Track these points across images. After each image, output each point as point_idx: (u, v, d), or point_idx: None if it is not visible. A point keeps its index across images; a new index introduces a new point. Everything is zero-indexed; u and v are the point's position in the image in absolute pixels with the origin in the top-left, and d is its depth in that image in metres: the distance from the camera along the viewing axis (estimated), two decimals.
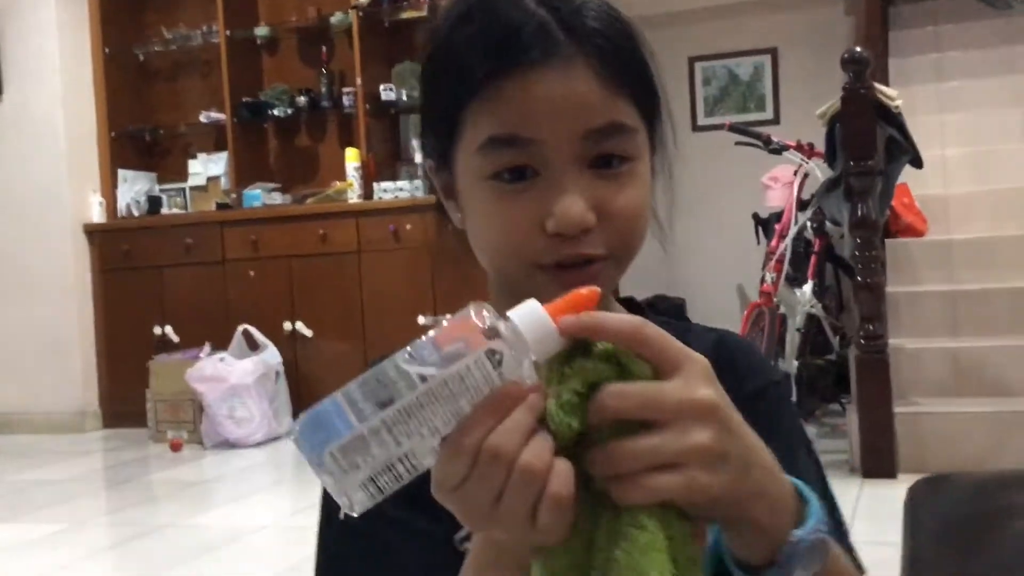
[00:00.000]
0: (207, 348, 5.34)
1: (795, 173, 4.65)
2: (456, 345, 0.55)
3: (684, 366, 0.59)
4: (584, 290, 0.60)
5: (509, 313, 0.57)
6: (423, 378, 0.54)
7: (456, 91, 0.76)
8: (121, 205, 5.91)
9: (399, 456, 0.55)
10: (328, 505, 0.87)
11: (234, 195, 5.73)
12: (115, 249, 5.79)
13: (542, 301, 0.63)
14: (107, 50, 5.93)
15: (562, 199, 0.73)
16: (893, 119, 3.89)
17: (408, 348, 0.55)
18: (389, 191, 5.42)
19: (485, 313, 0.56)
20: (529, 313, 0.57)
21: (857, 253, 3.83)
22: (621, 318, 0.59)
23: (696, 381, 0.59)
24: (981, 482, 1.41)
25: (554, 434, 0.57)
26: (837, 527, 0.83)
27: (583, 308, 0.59)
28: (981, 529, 1.19)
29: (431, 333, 0.56)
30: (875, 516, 3.19)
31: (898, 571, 1.19)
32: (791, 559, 0.61)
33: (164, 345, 5.63)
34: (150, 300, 5.71)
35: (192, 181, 5.95)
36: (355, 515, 0.57)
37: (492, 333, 0.55)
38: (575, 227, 0.74)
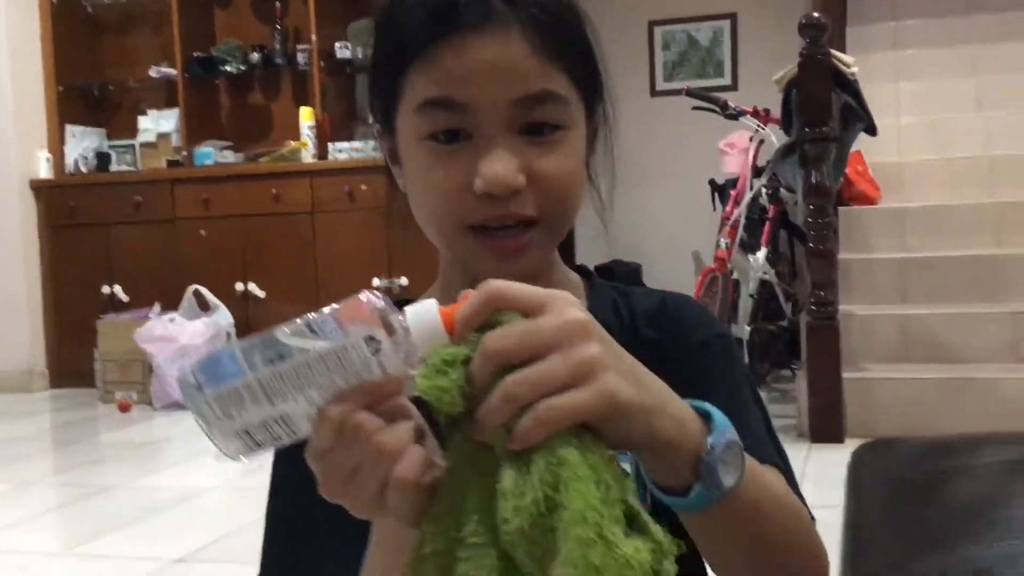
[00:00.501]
0: (157, 308, 5.26)
1: (751, 139, 4.65)
2: (341, 325, 0.57)
3: (549, 301, 0.58)
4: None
5: (406, 308, 0.59)
6: (303, 350, 0.56)
7: (398, 55, 0.79)
8: (69, 161, 5.78)
9: (274, 417, 0.58)
10: (276, 474, 0.87)
11: (185, 153, 5.64)
12: (63, 206, 5.67)
13: (474, 267, 0.73)
14: (54, 0, 5.77)
15: (491, 160, 0.76)
16: (849, 86, 3.90)
17: (299, 319, 0.57)
18: (344, 151, 5.36)
19: (375, 301, 0.57)
20: (422, 311, 0.59)
21: (810, 220, 3.85)
22: (479, 294, 0.58)
23: (565, 308, 0.58)
24: (924, 446, 1.42)
25: (433, 410, 0.57)
26: (788, 476, 0.84)
27: None
28: (923, 492, 1.20)
29: (324, 310, 0.57)
30: (822, 480, 3.22)
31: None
32: (712, 469, 0.61)
33: (113, 304, 5.55)
34: (98, 258, 5.60)
35: (142, 138, 5.83)
36: (234, 459, 0.60)
37: (377, 321, 0.57)
38: (502, 187, 0.76)
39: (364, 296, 0.57)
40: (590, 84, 0.82)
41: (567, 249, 0.95)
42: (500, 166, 0.75)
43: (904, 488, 1.24)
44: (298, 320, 0.57)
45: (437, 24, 0.76)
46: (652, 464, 0.62)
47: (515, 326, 0.57)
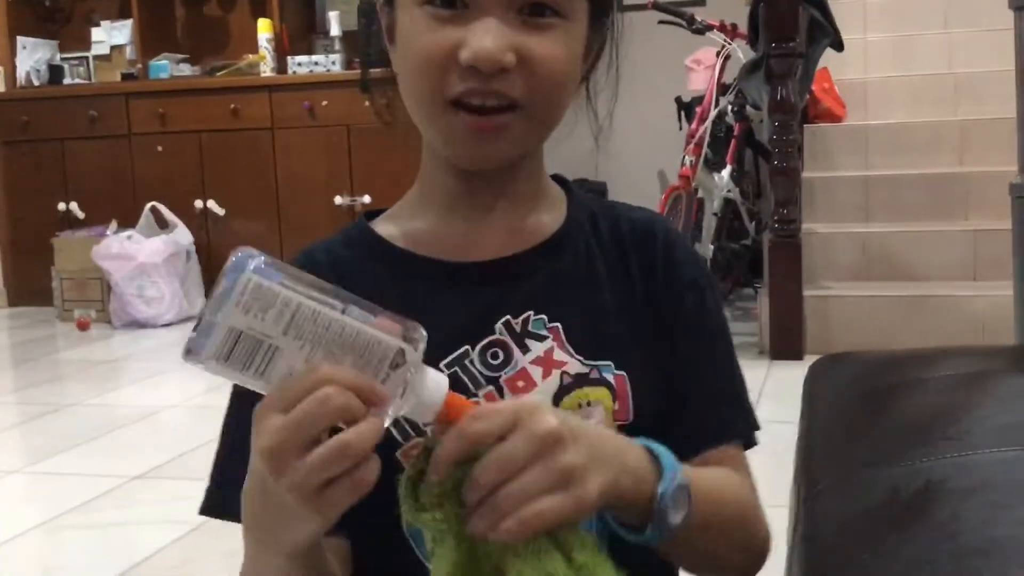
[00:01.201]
0: (114, 225, 5.17)
1: (718, 55, 4.59)
2: (388, 324, 0.60)
3: (519, 417, 0.62)
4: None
5: (429, 369, 0.62)
6: (344, 311, 0.59)
7: None
8: (20, 74, 5.62)
9: (272, 344, 0.57)
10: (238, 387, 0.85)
11: (140, 66, 5.48)
12: (15, 121, 5.52)
13: (452, 148, 0.78)
14: None
15: (482, 33, 0.73)
16: (816, 1, 3.84)
17: (352, 297, 0.60)
18: (304, 65, 5.24)
19: (421, 332, 0.61)
20: (439, 382, 0.62)
21: (775, 137, 3.82)
22: (451, 439, 0.61)
23: (536, 420, 0.62)
24: (880, 360, 1.42)
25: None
26: (746, 414, 0.91)
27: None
28: (877, 405, 1.20)
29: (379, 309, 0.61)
30: (780, 396, 3.26)
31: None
32: (662, 512, 0.69)
33: (69, 222, 5.44)
34: (53, 175, 5.48)
35: (95, 50, 5.67)
36: (191, 352, 0.58)
37: (408, 346, 0.60)
38: (489, 61, 0.73)
39: (413, 325, 0.61)
40: None
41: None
42: (489, 39, 0.73)
43: (859, 401, 1.24)
44: (352, 297, 0.60)
45: None
46: (612, 510, 0.70)
47: (491, 459, 0.61)
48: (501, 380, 0.80)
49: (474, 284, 0.83)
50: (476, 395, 0.80)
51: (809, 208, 4.15)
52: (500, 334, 0.81)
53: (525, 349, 0.81)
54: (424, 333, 0.61)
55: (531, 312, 0.82)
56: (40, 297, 5.38)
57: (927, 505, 0.84)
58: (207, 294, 4.90)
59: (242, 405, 0.83)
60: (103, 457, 3.04)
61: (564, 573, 0.62)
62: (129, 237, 5.00)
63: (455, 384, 0.79)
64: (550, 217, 0.88)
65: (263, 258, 0.59)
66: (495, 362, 0.81)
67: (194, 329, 0.58)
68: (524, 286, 0.83)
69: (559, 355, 0.81)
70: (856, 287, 3.93)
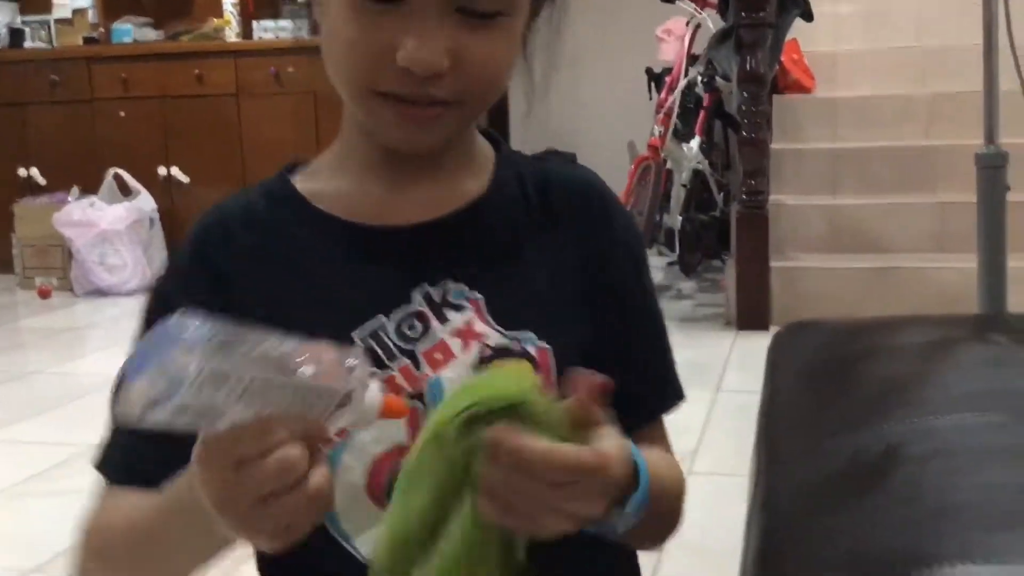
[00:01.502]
0: (75, 192, 5.09)
1: (688, 24, 4.57)
2: (333, 371, 0.60)
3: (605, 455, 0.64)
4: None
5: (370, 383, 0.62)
6: (296, 373, 0.58)
7: None
8: None
9: (221, 409, 0.55)
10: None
11: (102, 30, 5.38)
12: None
13: (380, 132, 0.77)
14: None
15: (419, 36, 0.69)
16: None
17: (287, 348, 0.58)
18: (270, 30, 5.17)
19: (360, 361, 0.61)
20: (372, 400, 0.63)
21: (744, 107, 3.82)
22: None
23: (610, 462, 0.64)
24: (843, 328, 1.42)
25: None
26: (675, 387, 0.90)
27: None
28: (840, 372, 1.19)
29: (307, 358, 0.59)
30: (745, 366, 3.27)
31: None
32: (626, 520, 0.69)
33: (30, 188, 5.35)
34: (13, 140, 5.38)
35: (57, 13, 5.56)
36: (126, 421, 0.54)
37: (353, 384, 0.60)
38: (426, 68, 0.70)
39: (350, 361, 0.60)
40: None
41: (501, 136, 0.90)
42: (427, 49, 0.69)
43: (821, 369, 1.23)
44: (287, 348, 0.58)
45: None
46: None
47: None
48: (418, 352, 0.78)
49: (391, 250, 0.80)
50: (390, 367, 0.77)
51: (777, 180, 4.15)
52: (418, 304, 0.79)
53: (444, 320, 0.78)
54: (360, 356, 0.61)
55: (450, 281, 0.79)
56: (0, 265, 5.29)
57: (886, 470, 0.84)
58: None
59: None
60: (63, 425, 3.01)
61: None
62: (91, 204, 4.93)
63: (367, 356, 0.77)
64: (475, 181, 0.84)
65: (208, 335, 0.55)
66: (411, 333, 0.78)
67: (129, 384, 0.54)
68: (443, 254, 0.81)
69: (479, 326, 0.78)
70: (823, 259, 3.94)
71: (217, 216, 0.84)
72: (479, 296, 0.79)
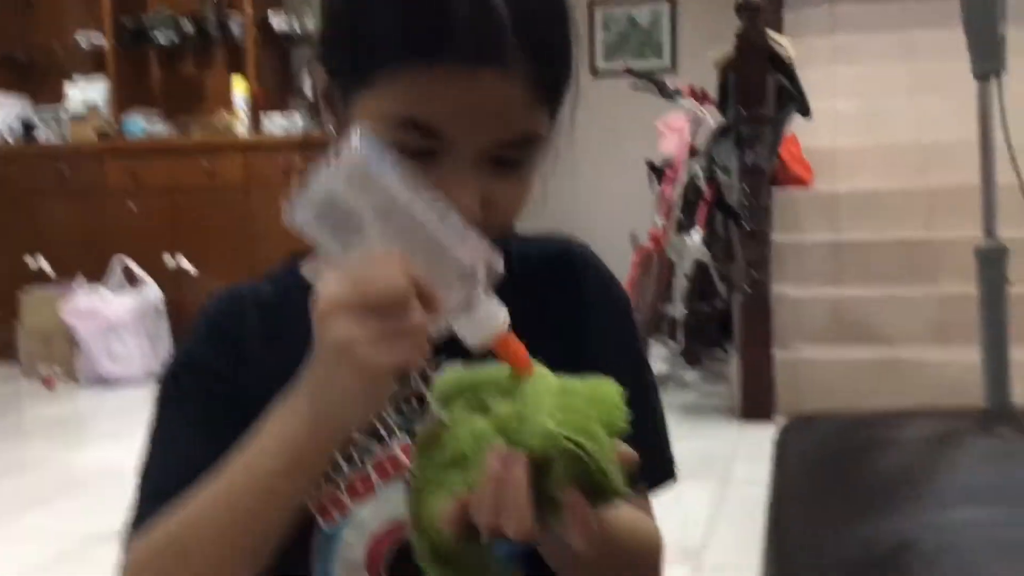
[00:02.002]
0: (83, 281, 5.13)
1: (688, 120, 4.65)
2: (473, 244, 0.64)
3: None
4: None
5: (494, 300, 0.65)
6: (438, 217, 0.63)
7: (384, 42, 0.71)
8: None
9: (361, 222, 0.61)
10: (168, 384, 0.83)
11: (112, 121, 5.47)
12: None
13: None
14: None
15: (456, 191, 0.71)
16: (785, 68, 3.92)
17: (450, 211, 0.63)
18: (279, 126, 5.26)
19: (499, 265, 0.64)
20: (495, 314, 0.65)
21: (745, 200, 3.87)
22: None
23: None
24: (849, 421, 1.42)
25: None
26: (667, 455, 0.87)
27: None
28: (847, 465, 1.20)
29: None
30: (752, 457, 3.25)
31: None
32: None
33: (38, 277, 5.39)
34: (23, 230, 5.43)
35: (70, 107, 5.66)
36: (293, 212, 0.62)
37: (484, 273, 0.63)
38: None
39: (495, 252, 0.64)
40: (564, 99, 0.77)
41: None
42: (464, 204, 0.70)
43: (828, 461, 1.24)
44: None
45: (439, 40, 0.68)
46: None
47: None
48: (417, 428, 0.79)
49: None
50: (389, 444, 0.79)
51: (779, 272, 4.18)
52: (413, 384, 0.80)
53: (417, 366, 0.80)
54: (499, 267, 0.63)
55: (444, 358, 0.80)
56: (4, 353, 5.29)
57: (898, 564, 0.84)
58: None
59: (175, 455, 0.79)
60: (66, 516, 2.99)
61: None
62: (98, 293, 4.95)
63: (367, 429, 0.79)
64: None
65: (383, 148, 0.63)
66: (409, 412, 0.80)
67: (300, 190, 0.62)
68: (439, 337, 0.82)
69: None
70: (826, 350, 3.95)
71: (229, 296, 0.86)
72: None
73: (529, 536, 0.60)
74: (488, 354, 0.65)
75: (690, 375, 4.66)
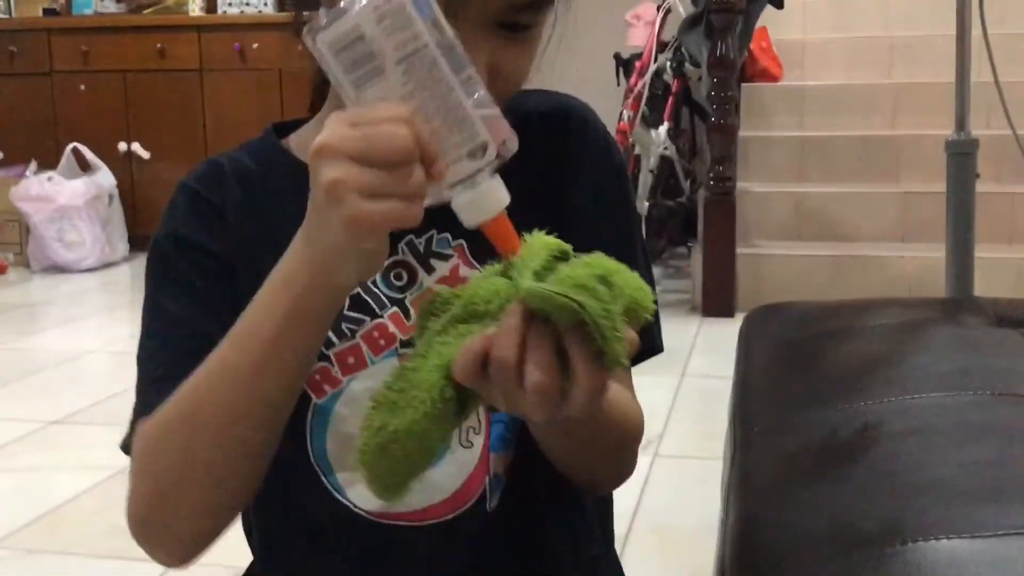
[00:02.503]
0: (33, 166, 5.00)
1: (658, 10, 4.56)
2: (492, 121, 0.60)
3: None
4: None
5: (497, 181, 0.61)
6: (460, 79, 0.58)
7: None
8: None
9: (381, 64, 0.57)
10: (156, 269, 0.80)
11: (62, 0, 5.28)
12: None
13: None
14: None
15: None
16: None
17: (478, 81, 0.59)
18: (234, 5, 5.09)
19: (512, 146, 0.60)
20: (498, 196, 0.61)
21: (713, 93, 3.82)
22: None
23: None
24: (814, 310, 1.42)
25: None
26: (658, 322, 0.87)
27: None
28: (812, 352, 1.19)
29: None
30: (711, 351, 3.28)
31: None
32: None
33: None
34: None
35: None
36: (313, 34, 0.57)
37: (497, 146, 0.60)
38: None
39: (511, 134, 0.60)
40: None
41: None
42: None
43: (793, 349, 1.23)
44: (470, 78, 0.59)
45: None
46: None
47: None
48: (407, 301, 0.78)
49: None
50: (381, 316, 0.77)
51: (744, 167, 4.16)
52: (403, 254, 0.78)
53: (430, 269, 0.78)
54: (513, 149, 0.60)
55: (434, 231, 0.78)
56: None
57: (865, 446, 0.83)
58: (131, 240, 4.72)
59: (170, 333, 0.77)
60: (19, 402, 2.95)
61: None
62: (49, 179, 4.84)
63: (357, 304, 0.77)
64: None
65: None
66: (399, 283, 0.78)
67: (328, 12, 0.57)
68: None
69: (465, 271, 0.78)
70: (788, 246, 3.96)
71: (209, 168, 0.83)
72: (463, 242, 0.78)
73: (550, 391, 0.57)
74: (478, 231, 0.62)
75: (653, 270, 4.67)
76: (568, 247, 0.62)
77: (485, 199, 0.60)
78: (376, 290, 0.78)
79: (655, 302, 0.84)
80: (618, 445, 0.80)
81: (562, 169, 0.82)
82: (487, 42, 0.69)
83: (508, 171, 0.74)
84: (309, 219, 0.61)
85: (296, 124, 0.86)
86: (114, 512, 2.38)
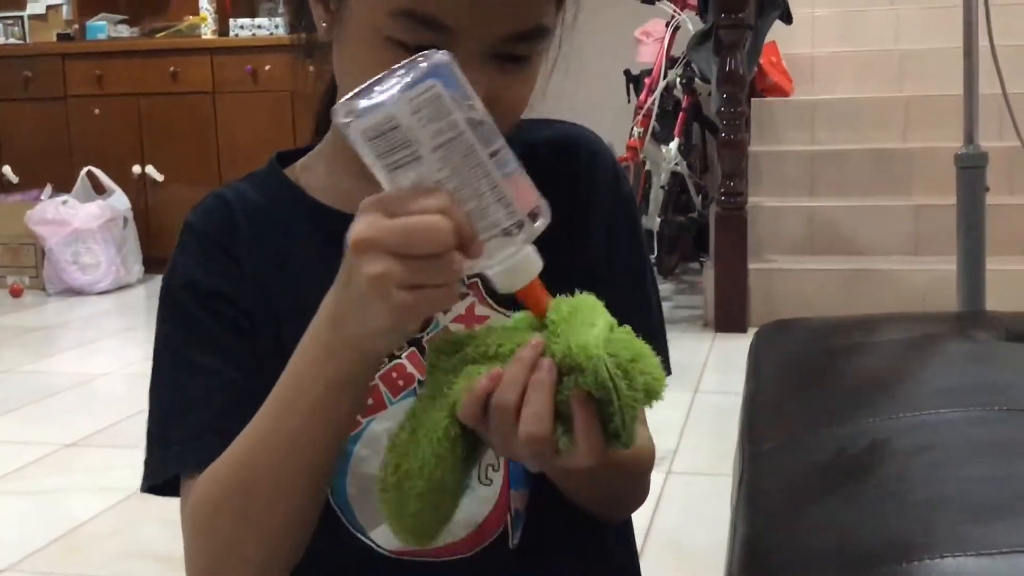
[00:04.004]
0: (48, 190, 5.04)
1: (667, 26, 4.57)
2: (525, 195, 0.60)
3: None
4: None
5: (530, 248, 0.61)
6: (495, 159, 0.59)
7: None
8: None
9: (417, 152, 0.57)
10: (167, 302, 0.80)
11: (76, 26, 5.33)
12: None
13: None
14: None
15: None
16: None
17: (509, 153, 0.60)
18: (247, 28, 5.13)
19: (546, 217, 0.61)
20: (532, 262, 0.62)
21: (723, 109, 3.82)
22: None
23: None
24: (824, 326, 1.41)
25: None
26: (665, 354, 0.83)
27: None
28: (822, 368, 1.19)
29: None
30: (724, 367, 3.27)
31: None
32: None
33: (2, 185, 5.29)
34: None
35: (31, 9, 5.50)
36: (348, 121, 0.57)
37: (531, 221, 0.60)
38: None
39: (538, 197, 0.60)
40: None
41: None
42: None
43: (804, 365, 1.23)
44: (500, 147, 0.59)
45: None
46: None
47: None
48: (424, 340, 0.77)
49: None
50: (399, 356, 0.77)
51: (755, 182, 4.16)
52: None
53: (446, 308, 0.78)
54: (547, 221, 0.60)
55: (466, 290, 0.78)
56: None
57: (872, 464, 0.83)
58: (145, 262, 4.72)
59: (178, 369, 0.77)
60: (36, 425, 2.97)
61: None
62: (64, 202, 4.87)
63: None
64: None
65: (455, 71, 0.58)
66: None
67: (359, 96, 0.57)
68: None
69: (481, 310, 0.78)
70: (800, 260, 3.95)
71: (215, 204, 0.82)
72: (477, 280, 0.78)
73: (542, 444, 0.58)
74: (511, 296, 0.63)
75: (665, 286, 4.67)
76: (614, 321, 0.63)
77: (521, 268, 0.61)
78: None
79: (660, 323, 0.85)
80: (631, 477, 0.81)
81: (574, 202, 0.82)
82: (485, 73, 0.67)
83: None
84: (349, 303, 0.61)
85: (300, 153, 0.86)
86: (129, 535, 2.39)
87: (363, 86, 0.57)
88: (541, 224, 0.60)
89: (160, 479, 0.75)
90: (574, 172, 0.83)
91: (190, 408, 0.76)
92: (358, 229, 0.57)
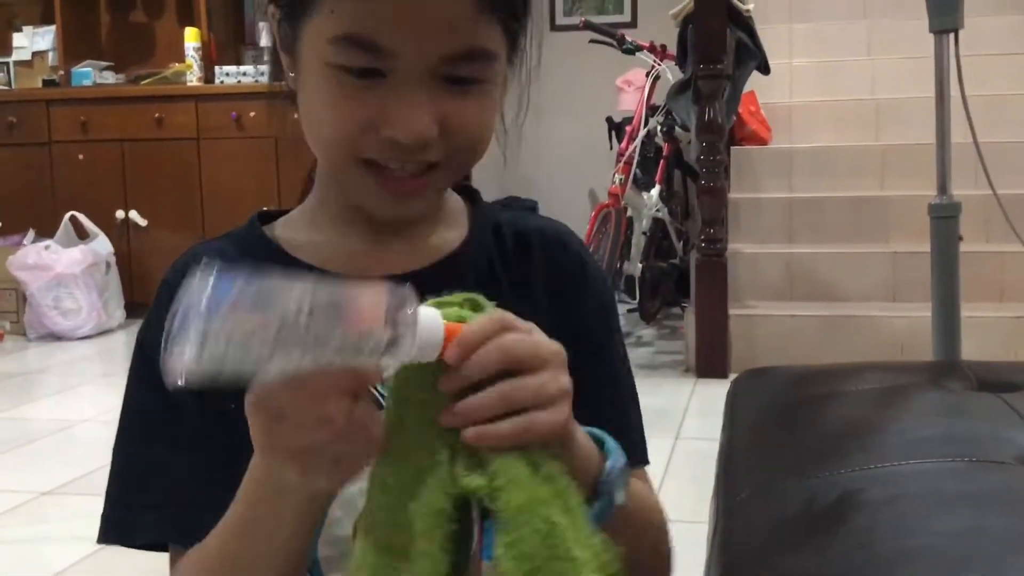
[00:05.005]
0: (31, 235, 5.03)
1: (647, 75, 4.63)
2: (370, 314, 0.57)
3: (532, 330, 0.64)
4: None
5: (421, 316, 0.60)
6: (324, 314, 0.56)
7: None
8: None
9: (263, 352, 0.55)
10: (134, 379, 0.82)
11: (62, 72, 5.36)
12: None
13: (362, 200, 0.74)
14: None
15: (407, 110, 0.70)
16: (744, 23, 3.90)
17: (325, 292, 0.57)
18: (232, 75, 5.16)
19: (408, 301, 0.59)
20: (431, 322, 0.61)
21: (703, 157, 3.87)
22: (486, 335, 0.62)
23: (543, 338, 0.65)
24: (799, 374, 1.43)
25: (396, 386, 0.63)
26: (644, 441, 0.88)
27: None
28: (796, 417, 1.20)
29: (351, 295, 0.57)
30: (705, 413, 3.28)
31: None
32: (610, 488, 0.69)
33: None
34: None
35: (16, 55, 5.52)
36: (178, 381, 0.55)
37: (397, 326, 0.58)
38: (416, 139, 0.71)
39: (375, 296, 0.57)
40: (520, 30, 0.76)
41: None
42: (416, 122, 0.70)
43: (779, 414, 1.24)
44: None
45: None
46: None
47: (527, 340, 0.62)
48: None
49: None
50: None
51: (735, 229, 4.20)
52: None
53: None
54: (409, 293, 0.59)
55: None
56: None
57: (843, 514, 0.84)
58: (128, 307, 4.68)
59: (144, 430, 0.80)
60: (13, 472, 2.94)
61: (529, 477, 0.61)
62: (47, 247, 4.86)
63: None
64: (452, 233, 0.84)
65: (242, 274, 0.57)
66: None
67: (173, 344, 0.54)
68: None
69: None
70: (780, 307, 3.98)
71: (192, 260, 0.81)
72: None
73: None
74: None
75: (646, 332, 4.68)
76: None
77: (427, 342, 0.60)
78: (374, 391, 0.78)
79: (637, 414, 0.88)
80: (640, 533, 0.79)
81: (560, 298, 0.84)
82: (432, 97, 0.70)
83: (513, 283, 0.80)
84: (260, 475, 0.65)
85: (281, 213, 0.87)
86: None
87: (164, 339, 0.55)
88: (410, 308, 0.59)
89: (122, 543, 0.80)
90: (561, 270, 0.86)
91: (153, 474, 0.79)
92: (258, 444, 0.61)
